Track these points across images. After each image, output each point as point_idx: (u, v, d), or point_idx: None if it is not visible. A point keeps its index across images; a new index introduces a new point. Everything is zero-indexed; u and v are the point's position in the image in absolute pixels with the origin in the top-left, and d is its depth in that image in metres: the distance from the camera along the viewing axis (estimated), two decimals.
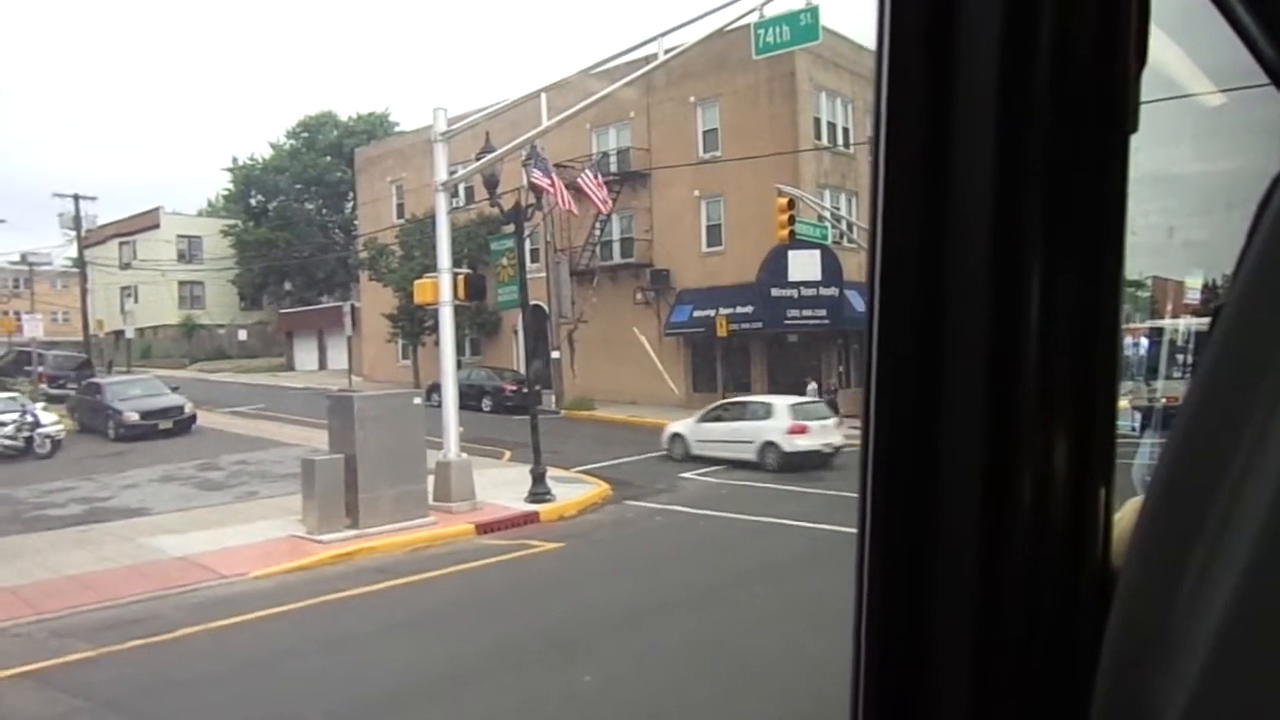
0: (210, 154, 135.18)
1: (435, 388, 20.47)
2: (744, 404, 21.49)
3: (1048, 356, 0.71)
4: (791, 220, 22.88)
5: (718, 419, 20.85)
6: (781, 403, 20.17)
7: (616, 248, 33.82)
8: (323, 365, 49.80)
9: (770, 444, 19.11)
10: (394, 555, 12.94)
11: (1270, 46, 0.72)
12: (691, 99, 31.05)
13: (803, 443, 18.91)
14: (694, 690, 7.36)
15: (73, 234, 46.61)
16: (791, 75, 28.77)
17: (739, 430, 19.93)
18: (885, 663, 0.77)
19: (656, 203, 32.60)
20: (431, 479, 15.32)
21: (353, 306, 41.32)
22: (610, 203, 25.67)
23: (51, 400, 29.87)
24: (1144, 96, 0.74)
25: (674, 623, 9.25)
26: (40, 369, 36.51)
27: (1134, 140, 0.72)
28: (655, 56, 15.07)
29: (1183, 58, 1.06)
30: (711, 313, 28.85)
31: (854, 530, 0.79)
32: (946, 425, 0.72)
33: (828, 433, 19.40)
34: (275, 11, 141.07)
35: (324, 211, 58.79)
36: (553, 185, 18.51)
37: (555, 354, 32.80)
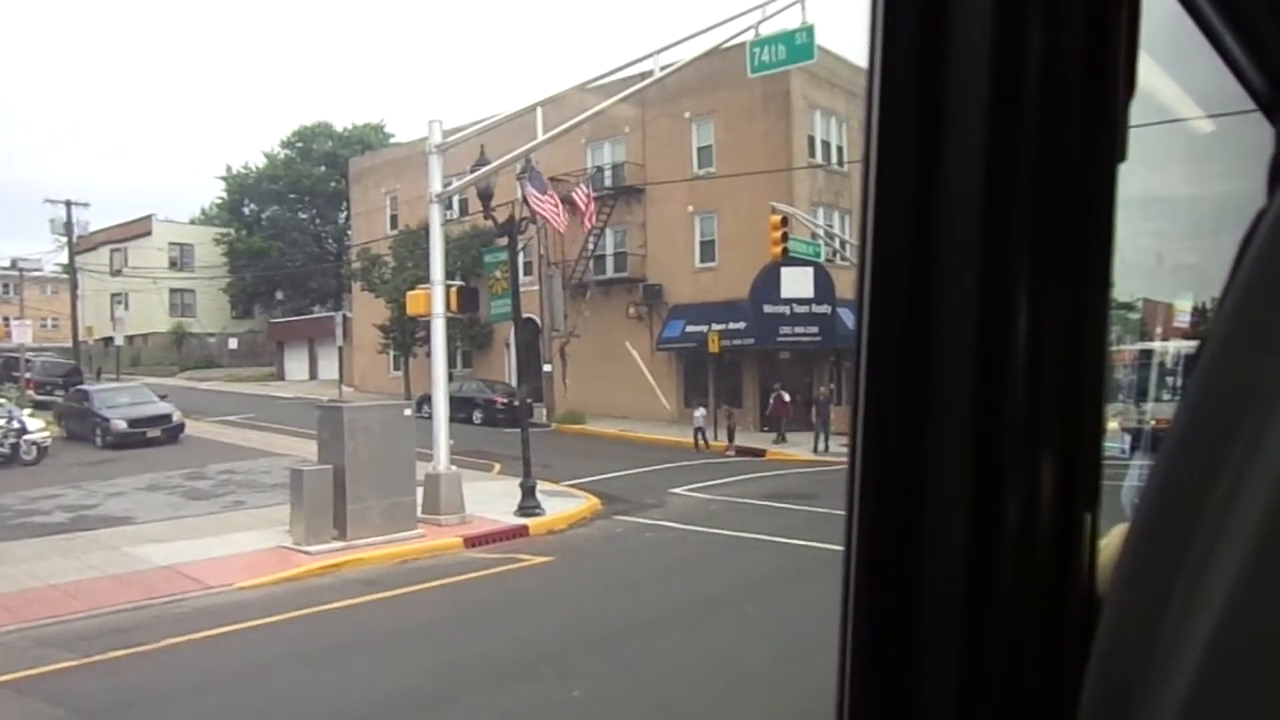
0: (204, 163, 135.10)
1: (426, 399, 20.44)
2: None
3: (1036, 379, 0.71)
4: (785, 237, 23.00)
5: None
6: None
7: (610, 262, 33.86)
8: (313, 375, 49.67)
9: None
10: (382, 567, 12.88)
11: (1258, 74, 0.72)
12: (686, 115, 31.17)
13: None
14: (682, 705, 7.33)
15: (64, 240, 46.48)
16: (786, 93, 28.92)
17: None
18: (870, 685, 0.77)
19: (650, 218, 32.67)
20: (421, 491, 15.26)
21: (344, 317, 41.23)
22: (595, 217, 25.79)
23: (39, 407, 29.74)
24: (1134, 121, 0.74)
25: (662, 638, 9.22)
26: (28, 375, 36.32)
27: (1124, 165, 0.72)
28: (651, 73, 15.16)
29: (1171, 84, 1.07)
30: (704, 328, 28.87)
31: (840, 547, 0.79)
32: (934, 447, 0.72)
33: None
34: (271, 21, 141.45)
35: (317, 221, 58.81)
36: (556, 206, 18.47)
37: (547, 367, 32.78)
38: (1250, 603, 0.54)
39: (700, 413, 26.83)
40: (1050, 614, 0.72)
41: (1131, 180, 0.74)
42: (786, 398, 27.31)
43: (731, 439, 26.27)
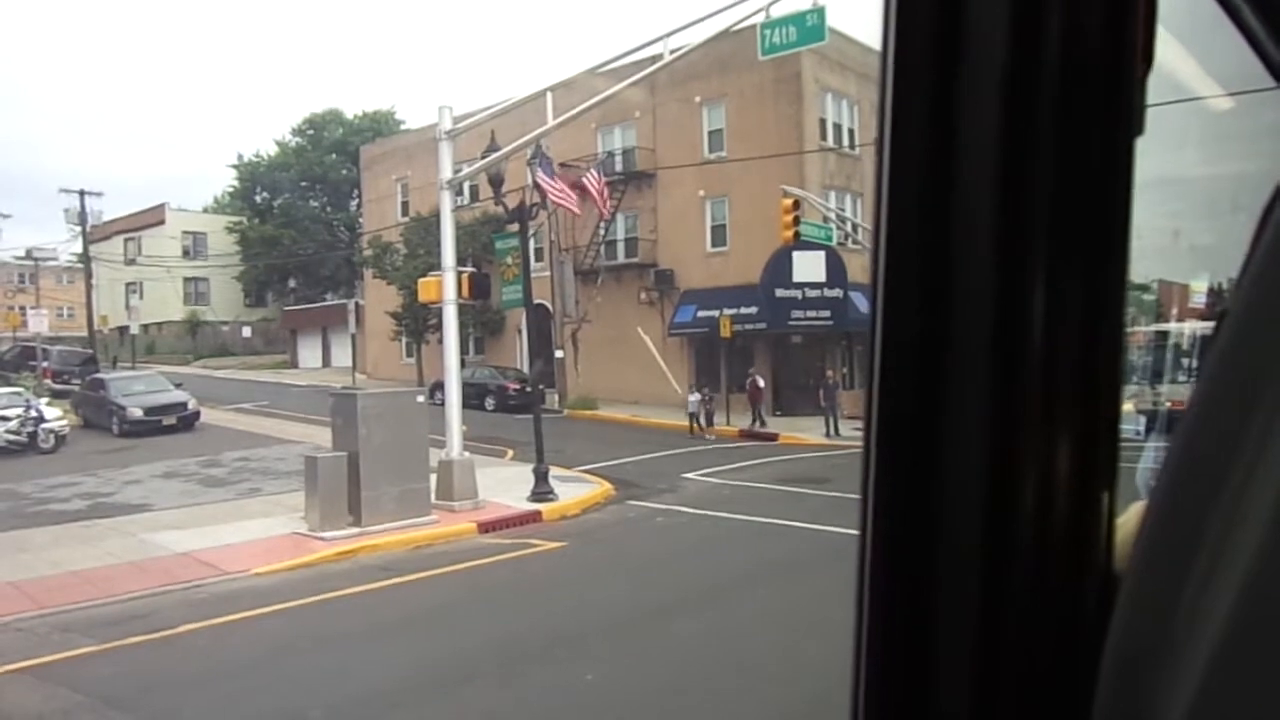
0: (216, 151, 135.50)
1: (438, 386, 20.51)
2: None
3: (1051, 359, 0.71)
4: (796, 221, 22.91)
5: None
6: None
7: (621, 247, 33.82)
8: (326, 363, 49.87)
9: None
10: (396, 553, 12.95)
11: (1277, 50, 0.71)
12: (697, 99, 31.03)
13: None
14: (695, 690, 7.36)
15: (78, 230, 46.75)
16: (797, 76, 28.74)
17: None
18: (886, 666, 0.77)
19: (661, 203, 32.59)
20: (434, 477, 15.33)
21: (357, 304, 41.31)
22: (609, 202, 25.80)
23: (56, 396, 29.95)
24: (1151, 99, 0.74)
25: (676, 622, 9.24)
26: (45, 364, 36.58)
27: (1140, 143, 0.72)
28: (661, 57, 15.07)
29: (1190, 61, 1.05)
30: (715, 313, 28.82)
31: (855, 532, 0.79)
32: (949, 428, 0.72)
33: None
34: (282, 9, 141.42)
35: (329, 209, 58.90)
36: (562, 192, 18.43)
37: (559, 353, 32.80)
38: (1268, 579, 0.54)
39: (694, 397, 27.16)
40: (1068, 591, 0.72)
41: (1148, 159, 0.73)
42: (760, 383, 27.85)
43: (711, 422, 26.93)
